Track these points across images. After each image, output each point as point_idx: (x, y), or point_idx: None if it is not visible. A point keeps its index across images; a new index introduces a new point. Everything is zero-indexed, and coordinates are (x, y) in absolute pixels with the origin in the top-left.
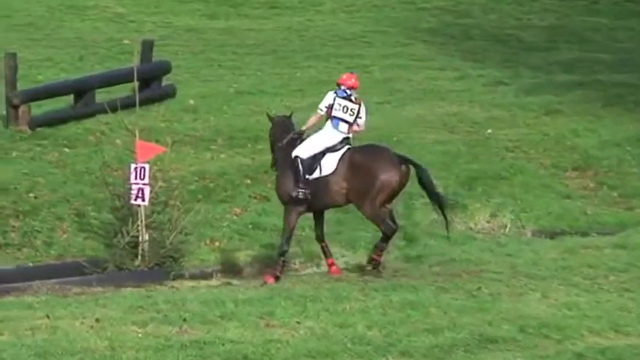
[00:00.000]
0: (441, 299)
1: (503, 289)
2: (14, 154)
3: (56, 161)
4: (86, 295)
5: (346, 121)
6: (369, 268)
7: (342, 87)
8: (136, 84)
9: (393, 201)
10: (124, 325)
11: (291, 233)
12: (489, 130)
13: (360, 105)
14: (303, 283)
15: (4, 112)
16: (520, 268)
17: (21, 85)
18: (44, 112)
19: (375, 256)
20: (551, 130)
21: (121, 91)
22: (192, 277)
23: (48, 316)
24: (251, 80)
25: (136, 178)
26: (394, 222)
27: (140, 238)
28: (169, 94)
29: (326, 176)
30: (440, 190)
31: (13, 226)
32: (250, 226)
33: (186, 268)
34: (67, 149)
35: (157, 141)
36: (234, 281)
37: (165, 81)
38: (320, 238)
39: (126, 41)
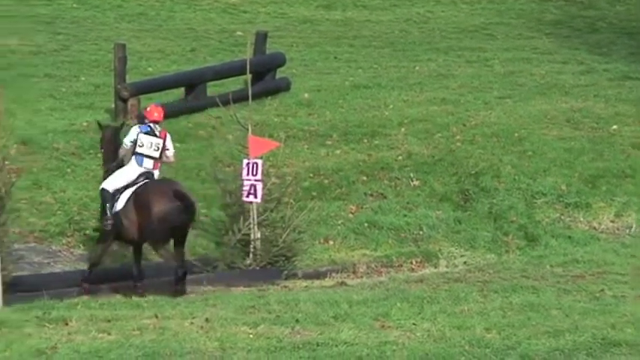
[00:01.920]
0: (563, 301)
1: (627, 291)
2: None
3: None
4: (196, 295)
5: (151, 157)
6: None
7: (146, 121)
8: (249, 77)
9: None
10: (234, 326)
11: (99, 260)
12: (614, 127)
13: (165, 138)
14: (420, 284)
15: (113, 105)
16: None
17: (130, 78)
18: None
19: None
20: None
21: (234, 85)
22: (306, 276)
23: (156, 316)
24: (368, 73)
25: (248, 174)
26: (181, 266)
27: (252, 236)
28: (283, 87)
29: (118, 211)
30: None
31: None
32: (366, 225)
33: (300, 268)
34: (177, 144)
35: (270, 136)
36: (349, 281)
37: (279, 74)
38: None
39: (239, 32)
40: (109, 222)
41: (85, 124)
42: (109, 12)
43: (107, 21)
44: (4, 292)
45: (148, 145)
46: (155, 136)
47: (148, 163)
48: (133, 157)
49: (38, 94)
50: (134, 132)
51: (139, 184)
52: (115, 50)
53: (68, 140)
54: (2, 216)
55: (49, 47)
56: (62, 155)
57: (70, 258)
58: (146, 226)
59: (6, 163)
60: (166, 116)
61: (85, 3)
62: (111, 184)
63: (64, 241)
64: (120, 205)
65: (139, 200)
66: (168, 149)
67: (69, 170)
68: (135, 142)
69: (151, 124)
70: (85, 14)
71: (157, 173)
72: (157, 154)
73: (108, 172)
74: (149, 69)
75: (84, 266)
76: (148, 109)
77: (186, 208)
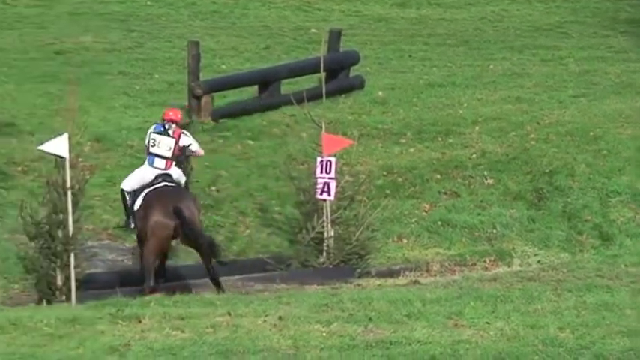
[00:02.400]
0: (637, 301)
1: None
2: None
3: (239, 154)
4: (269, 293)
5: (163, 157)
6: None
7: (162, 121)
8: (322, 75)
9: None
10: (307, 324)
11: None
12: None
13: (179, 137)
14: (494, 282)
15: (187, 103)
16: None
17: (204, 75)
18: (228, 103)
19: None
20: None
21: (308, 82)
22: (379, 274)
23: (229, 314)
24: (442, 72)
25: (321, 172)
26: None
27: (325, 234)
28: (357, 85)
29: (134, 212)
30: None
31: None
32: (440, 223)
33: (373, 266)
34: (250, 142)
35: (343, 134)
36: (422, 280)
37: (354, 72)
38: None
39: (313, 30)
40: (129, 223)
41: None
42: (182, 9)
43: (181, 18)
44: (78, 289)
45: (160, 144)
46: (168, 135)
47: (160, 163)
48: (147, 157)
49: (112, 91)
50: (148, 132)
51: (154, 187)
52: (188, 48)
53: (142, 137)
54: (76, 213)
55: (123, 45)
56: (136, 152)
57: None
58: (140, 231)
59: (80, 160)
60: (236, 114)
61: (159, 0)
62: (128, 184)
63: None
64: (136, 205)
65: (143, 206)
66: (189, 145)
67: None
68: (148, 143)
69: (165, 124)
70: (158, 12)
71: (174, 173)
72: (169, 154)
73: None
74: (223, 66)
75: None
76: (165, 110)
77: (182, 227)
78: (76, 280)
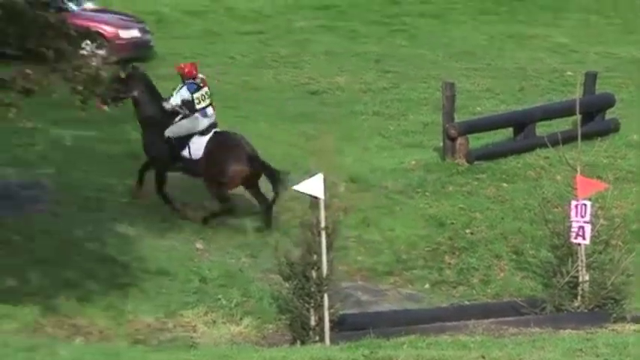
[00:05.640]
0: None
1: None
2: (451, 188)
3: (494, 196)
4: (523, 336)
5: (210, 105)
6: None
7: (188, 80)
8: (578, 117)
9: None
10: None
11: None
12: None
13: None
14: None
15: (441, 144)
16: None
17: (459, 116)
18: (483, 145)
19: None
20: None
21: (563, 125)
22: (635, 320)
23: (483, 357)
24: None
25: (576, 216)
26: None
27: (580, 279)
28: (613, 128)
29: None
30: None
31: (449, 263)
32: None
33: (629, 311)
34: (505, 184)
35: (598, 177)
36: None
37: (609, 115)
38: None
39: (569, 73)
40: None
41: (413, 162)
42: (438, 50)
43: (436, 59)
44: (331, 330)
45: (202, 97)
46: (201, 87)
47: (211, 111)
48: (197, 113)
49: (367, 132)
50: (185, 94)
51: (214, 132)
52: (443, 89)
53: (397, 178)
54: (330, 253)
55: (378, 85)
56: (391, 193)
57: (397, 297)
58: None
59: (334, 200)
60: (491, 156)
61: (415, 41)
62: (176, 131)
63: (391, 280)
64: (195, 150)
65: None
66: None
67: (397, 209)
68: (192, 102)
69: (194, 79)
70: (414, 52)
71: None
72: (210, 100)
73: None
74: (477, 108)
75: (412, 305)
76: (184, 68)
77: (260, 168)
78: (330, 321)
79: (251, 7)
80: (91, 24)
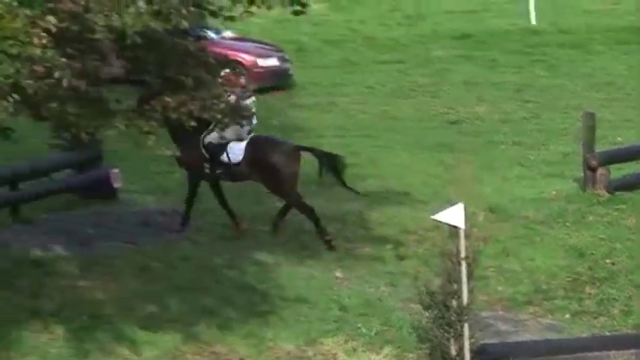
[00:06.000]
0: None
1: None
2: (591, 218)
3: (634, 227)
4: None
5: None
6: None
7: (241, 90)
8: None
9: None
10: None
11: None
12: None
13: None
14: None
15: (582, 174)
16: None
17: (599, 146)
18: (623, 176)
19: None
20: None
21: None
22: None
23: None
24: None
25: None
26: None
27: None
28: None
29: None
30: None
31: (589, 293)
32: None
33: None
34: None
35: None
36: None
37: None
38: None
39: None
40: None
41: (553, 192)
42: (577, 80)
43: (576, 89)
44: (472, 359)
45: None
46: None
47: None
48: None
49: (506, 161)
50: (252, 103)
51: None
52: (583, 119)
53: (537, 209)
54: (470, 282)
55: (518, 115)
56: (531, 224)
57: (537, 327)
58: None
59: (474, 230)
60: (633, 186)
61: (555, 72)
62: (218, 137)
63: (530, 310)
64: (235, 155)
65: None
66: None
67: (537, 239)
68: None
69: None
70: (554, 82)
71: None
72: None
73: None
74: (618, 138)
75: (552, 335)
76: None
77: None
78: (470, 350)
79: (389, 36)
80: (230, 52)
